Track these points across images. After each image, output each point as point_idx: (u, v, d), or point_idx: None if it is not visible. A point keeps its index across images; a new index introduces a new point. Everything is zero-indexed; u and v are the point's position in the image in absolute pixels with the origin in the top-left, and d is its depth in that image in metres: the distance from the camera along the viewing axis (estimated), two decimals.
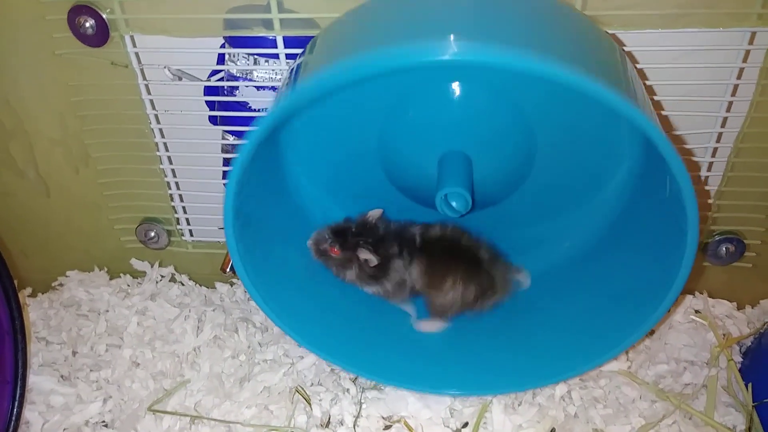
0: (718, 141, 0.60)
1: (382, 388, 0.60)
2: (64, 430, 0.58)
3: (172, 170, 0.67)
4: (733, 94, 0.57)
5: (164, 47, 0.59)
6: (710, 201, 0.63)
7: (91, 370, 0.63)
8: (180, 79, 0.61)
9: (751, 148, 0.59)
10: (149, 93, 0.62)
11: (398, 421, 0.56)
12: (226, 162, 0.66)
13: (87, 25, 0.56)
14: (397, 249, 0.58)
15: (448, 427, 0.56)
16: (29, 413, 0.59)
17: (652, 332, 0.65)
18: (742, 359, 0.62)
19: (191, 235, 0.73)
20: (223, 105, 0.61)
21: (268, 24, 0.56)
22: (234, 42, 0.58)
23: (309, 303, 0.59)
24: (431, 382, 0.57)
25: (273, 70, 0.59)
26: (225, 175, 0.66)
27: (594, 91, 0.38)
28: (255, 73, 0.59)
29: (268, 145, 0.55)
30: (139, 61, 0.60)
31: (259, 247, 0.54)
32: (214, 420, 0.57)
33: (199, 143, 0.65)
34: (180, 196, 0.69)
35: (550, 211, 0.61)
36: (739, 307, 0.68)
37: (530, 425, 0.55)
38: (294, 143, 0.58)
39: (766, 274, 0.68)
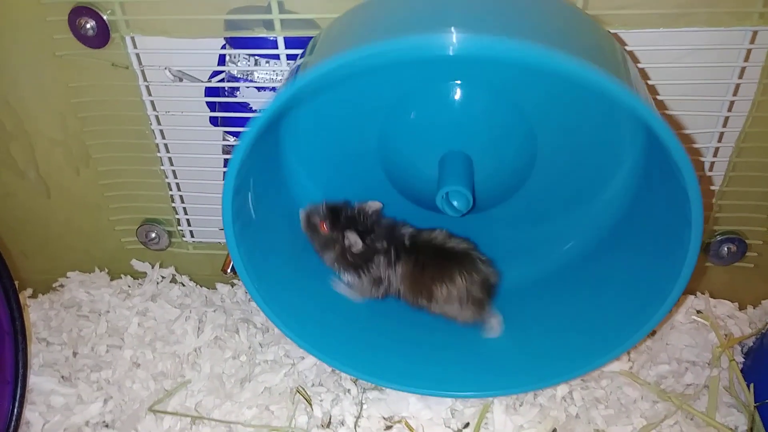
0: (719, 140, 0.60)
1: (383, 388, 0.60)
2: (65, 430, 0.58)
3: (173, 171, 0.67)
4: (735, 94, 0.57)
5: (165, 48, 0.59)
6: (712, 201, 0.63)
7: (91, 371, 0.63)
8: (181, 80, 0.61)
9: (753, 147, 0.59)
10: (150, 94, 0.62)
11: (399, 422, 0.56)
12: (227, 163, 0.65)
13: (88, 26, 0.56)
14: (385, 246, 0.58)
15: (449, 427, 0.56)
16: (30, 413, 0.59)
17: (653, 333, 0.65)
18: (743, 359, 0.62)
19: (192, 236, 0.73)
20: (224, 106, 0.61)
21: (268, 25, 0.56)
22: (235, 43, 0.58)
23: (309, 304, 0.59)
24: (432, 383, 0.56)
25: (274, 71, 0.59)
26: (226, 175, 0.66)
27: (599, 83, 0.38)
28: (256, 74, 0.59)
29: (269, 145, 0.55)
30: (140, 63, 0.60)
31: (260, 248, 0.54)
32: (215, 420, 0.57)
33: (200, 144, 0.65)
34: (181, 197, 0.69)
35: (552, 212, 0.60)
36: (741, 308, 0.68)
37: (531, 426, 0.55)
38: (295, 144, 0.58)
39: (767, 274, 0.68)
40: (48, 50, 0.59)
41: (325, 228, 0.57)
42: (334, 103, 0.54)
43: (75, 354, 0.65)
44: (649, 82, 0.57)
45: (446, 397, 0.57)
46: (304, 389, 0.59)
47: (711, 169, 0.61)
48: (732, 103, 0.57)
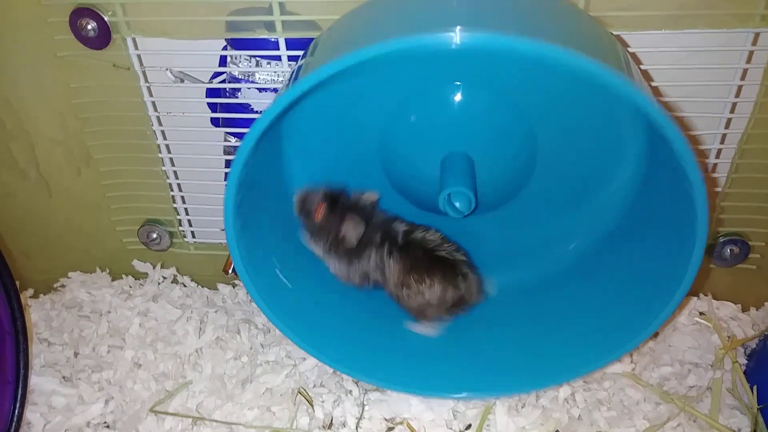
0: (722, 142, 0.59)
1: (385, 389, 0.59)
2: (66, 431, 0.58)
3: (174, 172, 0.67)
4: (737, 96, 0.57)
5: (166, 50, 0.59)
6: (715, 202, 0.63)
7: (92, 371, 0.63)
8: (182, 81, 0.61)
9: (755, 149, 0.59)
10: (151, 95, 0.62)
11: (401, 423, 0.56)
12: (228, 164, 0.66)
13: (89, 27, 0.56)
14: (379, 240, 0.57)
15: (451, 429, 0.56)
16: (31, 414, 0.59)
17: (656, 334, 0.65)
18: (746, 361, 0.62)
19: (193, 236, 0.73)
20: (225, 107, 0.61)
21: (270, 26, 0.56)
22: (236, 44, 0.58)
23: (310, 304, 0.59)
24: (433, 384, 0.56)
25: (275, 72, 0.59)
26: (227, 176, 0.66)
27: (603, 76, 0.38)
28: (257, 75, 0.59)
29: (270, 146, 0.55)
30: (141, 64, 0.60)
31: (261, 249, 0.54)
32: (216, 421, 0.57)
33: (201, 145, 0.65)
34: (182, 197, 0.69)
35: (555, 213, 0.60)
36: (744, 309, 0.68)
37: (534, 427, 0.55)
38: (296, 145, 0.58)
39: None
40: (49, 51, 0.59)
41: (321, 212, 0.56)
42: (336, 105, 0.54)
43: (76, 354, 0.65)
44: (652, 84, 0.56)
45: (447, 398, 0.57)
46: (305, 390, 0.59)
47: (714, 171, 0.61)
48: (734, 104, 0.57)
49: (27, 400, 0.58)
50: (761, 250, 0.66)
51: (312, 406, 0.58)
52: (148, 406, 0.59)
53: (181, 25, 0.57)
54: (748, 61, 0.55)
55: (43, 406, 0.60)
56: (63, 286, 0.75)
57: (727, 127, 0.59)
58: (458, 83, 0.50)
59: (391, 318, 0.60)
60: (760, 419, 0.56)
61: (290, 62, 0.57)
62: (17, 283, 0.57)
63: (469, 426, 0.56)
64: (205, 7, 0.56)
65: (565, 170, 0.56)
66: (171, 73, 0.60)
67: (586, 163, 0.56)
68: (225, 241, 0.70)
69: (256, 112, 0.61)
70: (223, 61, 0.60)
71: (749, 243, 0.65)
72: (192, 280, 0.74)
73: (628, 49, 0.55)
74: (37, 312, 0.71)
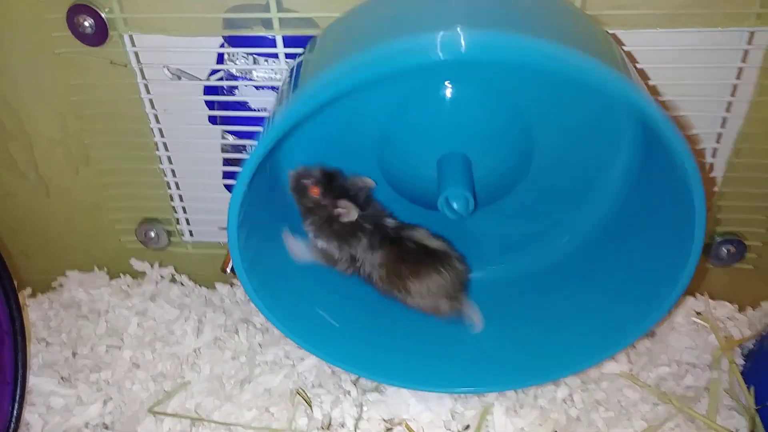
0: (717, 141, 0.60)
1: (384, 390, 0.59)
2: (64, 431, 0.58)
3: (172, 170, 0.67)
4: (733, 95, 0.57)
5: (163, 46, 0.58)
6: (711, 201, 0.63)
7: (91, 372, 0.63)
8: (179, 78, 0.61)
9: (751, 148, 0.59)
10: (148, 92, 0.61)
11: (399, 424, 0.56)
12: (226, 162, 0.65)
13: (86, 24, 0.56)
14: (371, 228, 0.57)
15: (449, 429, 0.56)
16: (29, 415, 0.58)
17: (653, 334, 0.65)
18: (744, 362, 0.62)
19: (191, 235, 0.72)
20: (223, 104, 0.61)
21: (267, 23, 0.55)
22: (233, 41, 0.58)
23: (309, 304, 0.59)
24: (431, 380, 0.56)
25: (272, 69, 0.59)
26: (225, 174, 0.66)
27: (598, 76, 0.38)
28: (254, 73, 0.59)
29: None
30: (138, 61, 0.59)
31: (260, 249, 0.54)
32: (215, 422, 0.57)
33: (199, 143, 0.65)
34: (180, 196, 0.69)
35: (548, 207, 0.60)
36: (741, 309, 0.68)
37: (532, 428, 0.55)
38: (293, 148, 0.58)
39: (767, 275, 0.68)
40: (47, 48, 0.59)
41: (316, 191, 0.55)
42: (333, 109, 0.54)
43: (74, 354, 0.65)
44: (647, 83, 0.56)
45: (444, 393, 0.57)
46: (304, 391, 0.59)
47: (709, 170, 0.61)
48: (730, 103, 0.57)
49: (25, 400, 0.57)
50: (757, 249, 0.66)
51: (310, 406, 0.58)
52: (147, 406, 0.58)
53: (179, 22, 0.57)
54: (744, 60, 0.55)
55: (41, 407, 0.60)
56: (61, 285, 0.75)
57: (722, 126, 0.59)
58: (454, 84, 0.50)
59: (389, 315, 0.60)
60: (758, 420, 0.56)
61: (287, 59, 0.57)
62: (15, 282, 0.57)
63: (468, 426, 0.56)
64: (203, 4, 0.56)
65: (561, 166, 0.56)
66: (168, 70, 0.60)
67: (583, 158, 0.56)
68: (223, 240, 0.71)
69: (254, 109, 0.60)
70: (220, 58, 0.60)
71: (746, 242, 0.65)
72: (190, 280, 0.74)
73: (624, 47, 0.55)
74: (35, 311, 0.70)
